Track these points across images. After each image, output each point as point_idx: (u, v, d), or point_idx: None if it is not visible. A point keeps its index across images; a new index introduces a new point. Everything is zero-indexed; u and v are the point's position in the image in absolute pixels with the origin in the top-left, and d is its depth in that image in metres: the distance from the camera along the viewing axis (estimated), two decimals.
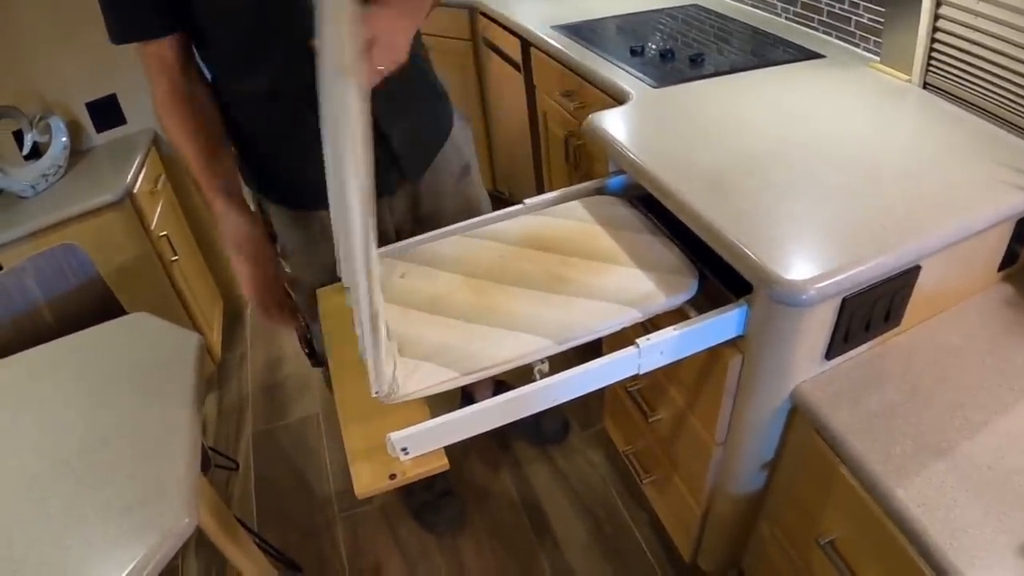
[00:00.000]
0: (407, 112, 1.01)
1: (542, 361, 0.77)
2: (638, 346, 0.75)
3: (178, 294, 1.70)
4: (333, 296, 0.98)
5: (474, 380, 0.73)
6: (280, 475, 1.63)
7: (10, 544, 0.79)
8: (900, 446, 0.77)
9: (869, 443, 0.78)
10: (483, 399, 0.71)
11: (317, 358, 1.20)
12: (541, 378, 0.75)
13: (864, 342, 0.88)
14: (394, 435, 0.69)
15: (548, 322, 0.77)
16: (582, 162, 1.57)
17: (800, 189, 0.88)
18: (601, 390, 0.80)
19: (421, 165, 1.07)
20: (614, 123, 1.08)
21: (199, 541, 1.40)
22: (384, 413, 0.78)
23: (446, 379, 0.72)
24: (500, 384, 1.47)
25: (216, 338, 1.90)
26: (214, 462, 1.62)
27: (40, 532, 0.80)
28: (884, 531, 0.75)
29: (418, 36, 1.01)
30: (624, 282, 0.83)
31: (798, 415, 0.89)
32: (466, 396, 1.44)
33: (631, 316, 0.79)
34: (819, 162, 0.93)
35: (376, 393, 0.70)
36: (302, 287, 1.10)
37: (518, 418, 0.74)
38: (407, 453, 0.71)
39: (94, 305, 1.27)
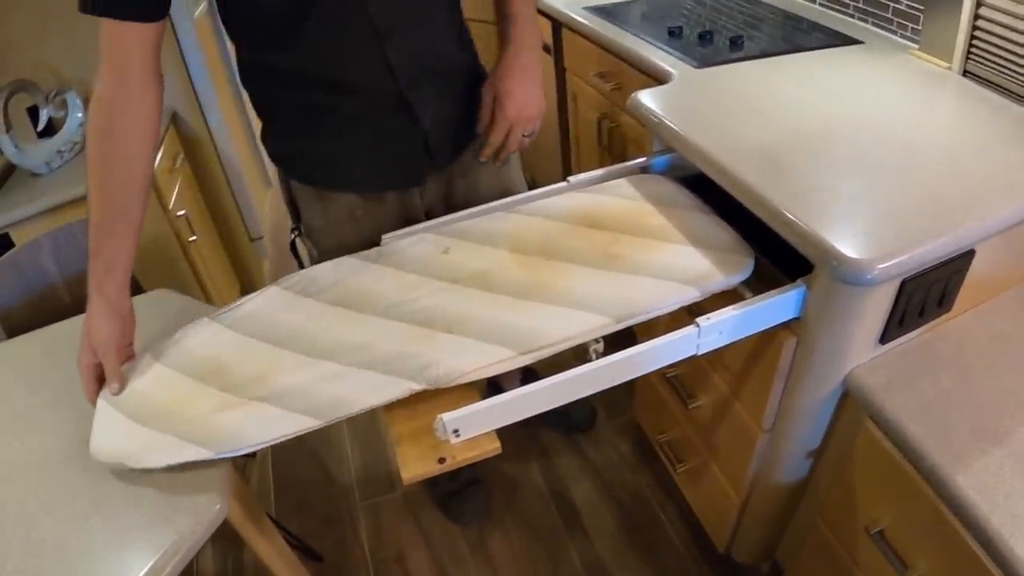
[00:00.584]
0: (443, 95, 0.96)
1: (597, 341, 0.75)
2: (698, 325, 0.73)
3: (195, 275, 1.67)
4: None
5: (532, 360, 0.70)
6: (299, 463, 1.61)
7: (32, 527, 0.76)
8: (956, 432, 0.75)
9: (925, 429, 0.76)
10: (512, 388, 0.69)
11: None
12: (597, 358, 0.73)
13: (918, 327, 0.86)
14: (446, 416, 0.67)
15: (604, 300, 0.75)
16: (616, 144, 1.54)
17: (854, 169, 0.86)
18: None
19: (451, 150, 1.03)
20: (660, 101, 1.05)
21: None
22: (430, 395, 0.75)
23: (503, 358, 0.69)
24: (528, 372, 1.44)
25: None
26: None
27: (64, 514, 0.77)
28: (940, 519, 0.73)
29: (460, 13, 0.98)
30: (679, 260, 0.80)
31: (850, 400, 0.87)
32: (493, 385, 1.41)
33: (689, 295, 0.76)
34: (870, 143, 0.91)
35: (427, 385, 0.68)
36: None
37: (575, 399, 0.71)
38: (458, 435, 0.69)
39: None
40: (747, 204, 0.83)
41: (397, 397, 0.71)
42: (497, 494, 1.45)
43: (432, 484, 1.46)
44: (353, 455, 1.60)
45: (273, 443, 0.74)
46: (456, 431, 0.68)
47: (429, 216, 1.06)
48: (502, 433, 0.71)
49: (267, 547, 1.06)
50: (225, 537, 1.42)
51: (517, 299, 0.76)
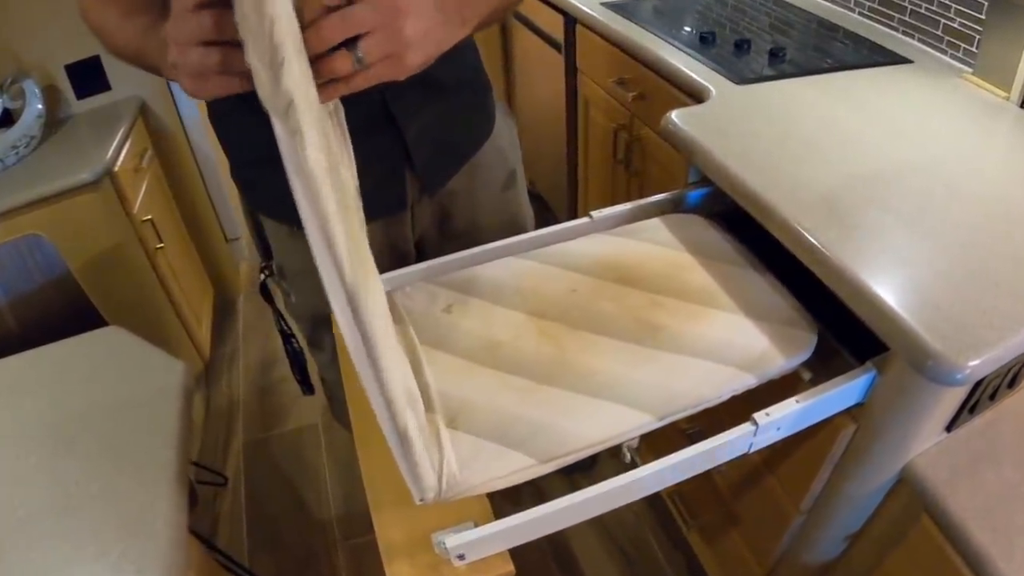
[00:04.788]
0: (432, 107, 0.80)
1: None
2: (756, 424, 0.61)
3: (162, 285, 1.51)
4: None
5: (554, 468, 0.58)
6: (274, 493, 1.48)
7: None
8: (1022, 537, 0.66)
9: (991, 534, 0.67)
10: None
11: (309, 386, 1.05)
12: (630, 457, 0.61)
13: (986, 410, 0.76)
14: (448, 539, 0.54)
15: (643, 388, 0.62)
16: (635, 160, 1.40)
17: (930, 227, 0.73)
18: None
19: (444, 173, 0.87)
20: (699, 125, 0.92)
21: None
22: None
23: (520, 467, 0.57)
24: None
25: (205, 333, 1.72)
26: (201, 479, 1.47)
27: None
28: None
29: None
30: (730, 335, 0.67)
31: (906, 490, 0.76)
32: None
33: (745, 382, 0.64)
34: (944, 194, 0.78)
35: (421, 501, 0.54)
36: (302, 311, 0.93)
37: (608, 510, 0.59)
38: (463, 559, 0.56)
39: (63, 306, 1.10)
40: (816, 270, 0.70)
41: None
42: None
43: None
44: (332, 487, 1.48)
45: None
46: (461, 556, 0.56)
47: (420, 245, 0.91)
48: None
49: None
50: None
51: (536, 383, 0.63)
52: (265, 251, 0.89)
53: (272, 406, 1.67)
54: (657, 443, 1.19)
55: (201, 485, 1.48)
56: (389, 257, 0.88)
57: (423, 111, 0.79)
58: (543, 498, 0.57)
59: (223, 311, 1.92)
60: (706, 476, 1.03)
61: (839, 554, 0.91)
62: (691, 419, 0.70)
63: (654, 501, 1.38)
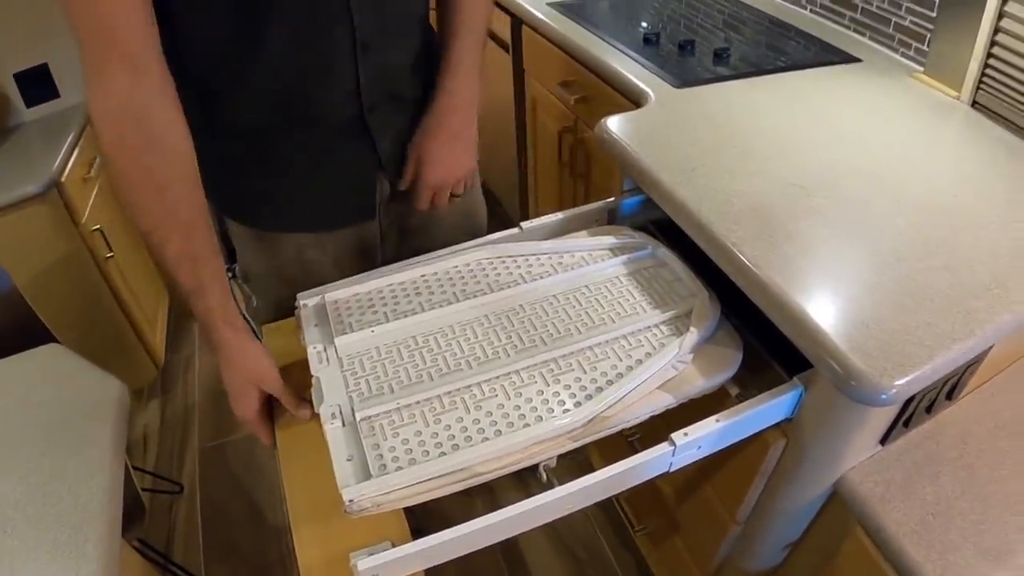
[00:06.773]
0: (404, 117, 0.82)
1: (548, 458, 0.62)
2: (673, 444, 0.60)
3: (115, 295, 1.48)
4: (283, 335, 0.80)
5: (468, 487, 0.57)
6: (229, 500, 1.46)
7: None
8: (959, 552, 0.66)
9: (926, 551, 0.66)
10: None
11: None
12: (548, 477, 0.60)
13: (922, 423, 0.76)
14: (361, 561, 0.54)
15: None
16: (578, 162, 1.39)
17: (868, 238, 0.71)
18: None
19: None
20: (633, 133, 0.90)
21: None
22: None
23: (431, 487, 0.56)
24: None
25: (160, 338, 1.70)
26: (156, 488, 1.45)
27: None
28: None
29: (430, 27, 0.83)
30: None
31: (840, 504, 0.76)
32: None
33: (663, 402, 0.63)
34: (886, 202, 0.77)
35: (349, 502, 0.53)
36: (264, 315, 0.92)
37: (524, 531, 0.59)
38: None
39: (10, 321, 1.07)
40: (740, 283, 0.69)
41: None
42: None
43: None
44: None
45: None
46: None
47: (383, 246, 0.92)
48: None
49: None
50: None
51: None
52: (230, 254, 0.88)
53: (227, 411, 1.63)
54: (604, 448, 1.20)
55: (156, 494, 1.47)
56: (359, 259, 0.88)
57: (394, 121, 0.81)
58: (495, 498, 0.57)
59: (179, 316, 1.89)
60: (650, 481, 1.03)
61: (780, 563, 0.91)
62: (636, 426, 0.70)
63: (605, 503, 1.38)
